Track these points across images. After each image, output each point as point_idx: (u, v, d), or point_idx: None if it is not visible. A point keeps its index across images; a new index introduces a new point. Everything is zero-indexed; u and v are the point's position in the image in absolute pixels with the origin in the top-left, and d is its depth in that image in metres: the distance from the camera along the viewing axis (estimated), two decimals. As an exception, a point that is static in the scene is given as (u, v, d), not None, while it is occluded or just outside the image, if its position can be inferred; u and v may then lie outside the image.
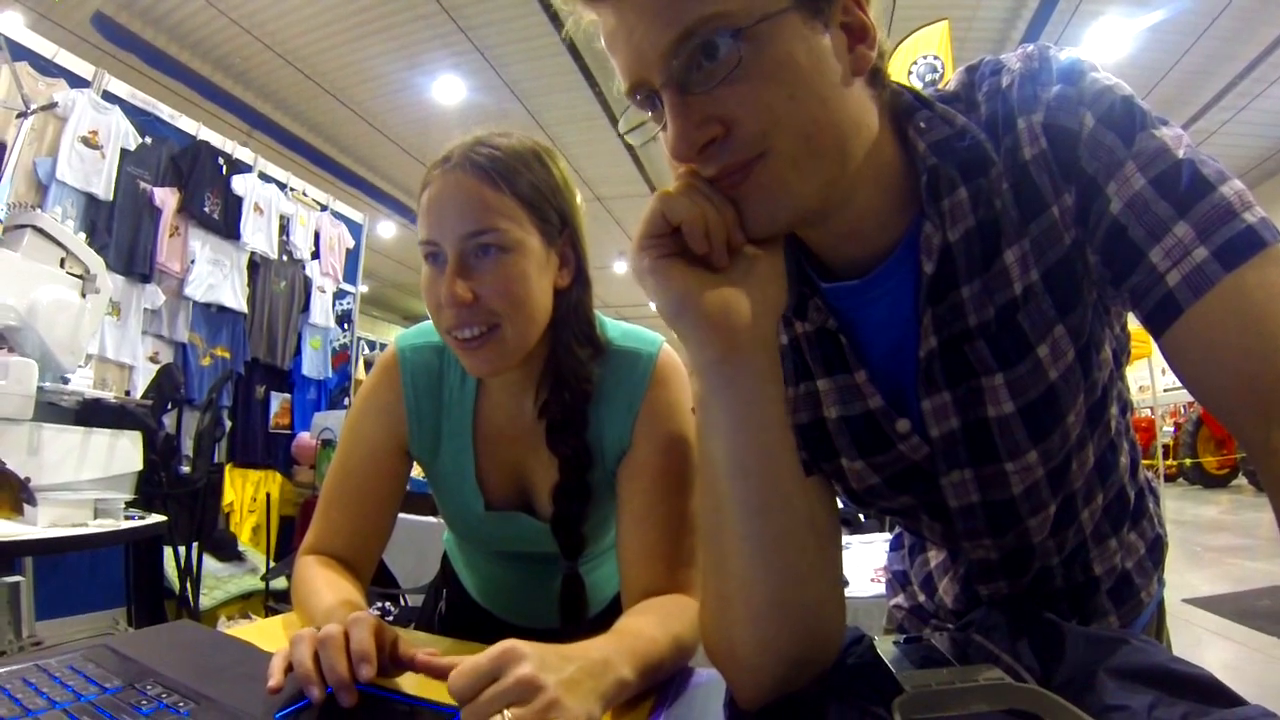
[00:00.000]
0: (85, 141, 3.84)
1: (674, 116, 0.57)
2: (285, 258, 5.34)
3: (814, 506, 0.69)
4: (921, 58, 6.09)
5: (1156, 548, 0.89)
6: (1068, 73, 0.63)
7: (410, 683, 0.72)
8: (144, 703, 0.62)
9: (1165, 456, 9.43)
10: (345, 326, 6.12)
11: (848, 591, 2.22)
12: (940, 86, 0.71)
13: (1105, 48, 6.96)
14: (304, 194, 5.60)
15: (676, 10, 0.55)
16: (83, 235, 3.56)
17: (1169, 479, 10.16)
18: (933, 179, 0.64)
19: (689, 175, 0.60)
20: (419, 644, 0.73)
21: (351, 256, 6.15)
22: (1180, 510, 8.83)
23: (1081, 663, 0.61)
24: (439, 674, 0.66)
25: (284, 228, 5.31)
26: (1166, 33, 6.72)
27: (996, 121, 0.65)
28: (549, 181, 0.98)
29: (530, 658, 0.61)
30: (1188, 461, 10.61)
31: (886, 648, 0.71)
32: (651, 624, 0.82)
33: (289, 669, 0.65)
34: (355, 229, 6.20)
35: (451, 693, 0.59)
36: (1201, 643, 3.82)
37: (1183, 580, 5.04)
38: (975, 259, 0.65)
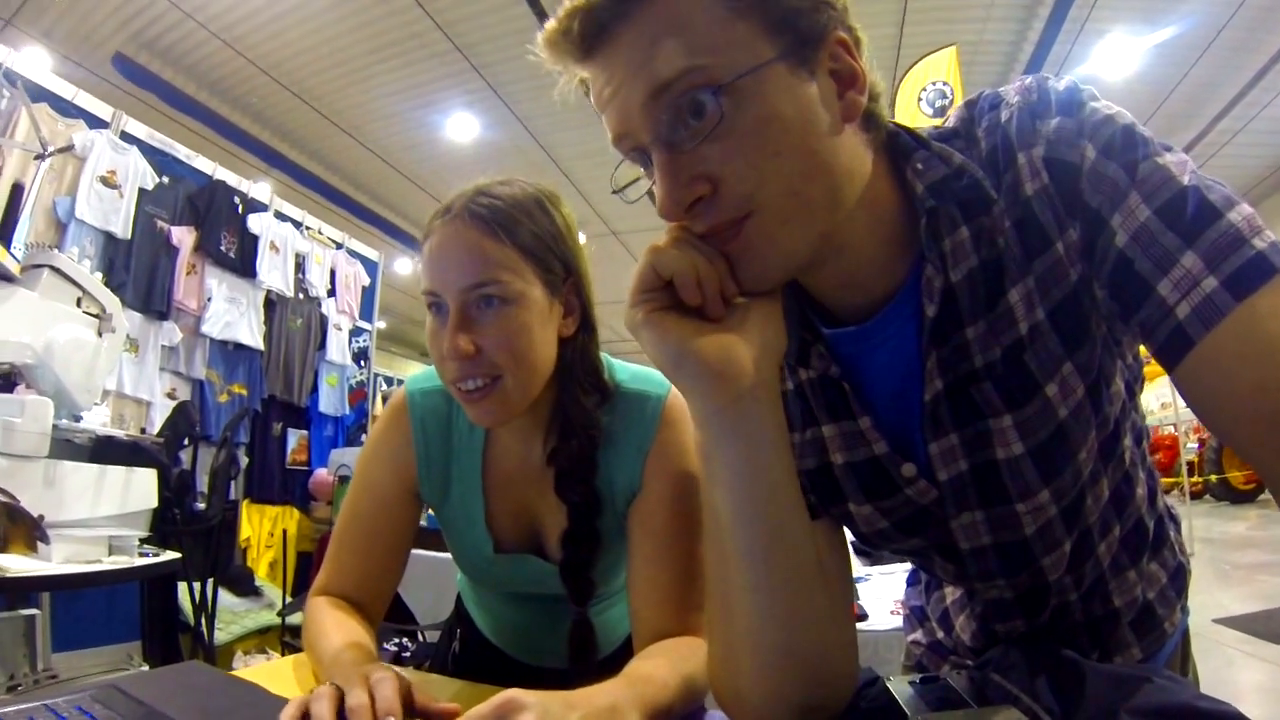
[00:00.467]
0: (104, 181, 3.91)
1: (661, 176, 0.57)
2: (301, 295, 5.38)
3: (821, 551, 0.68)
4: (931, 84, 6.14)
5: (1179, 576, 0.87)
6: (1067, 104, 0.62)
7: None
8: None
9: (1190, 473, 9.23)
10: (362, 364, 6.16)
11: (867, 625, 2.21)
12: (940, 123, 0.70)
13: (1112, 65, 6.97)
14: (319, 232, 5.66)
15: (657, 66, 0.55)
16: (100, 274, 3.64)
17: (1195, 496, 9.89)
18: (932, 220, 0.63)
19: (679, 228, 0.60)
20: (432, 686, 0.74)
21: (367, 294, 6.20)
22: (1208, 528, 8.63)
23: (1102, 703, 0.59)
24: None
25: (300, 266, 5.36)
26: (1173, 47, 6.71)
27: (997, 157, 0.64)
28: (551, 230, 0.98)
29: (532, 708, 0.61)
30: (1213, 477, 10.40)
31: (901, 688, 0.71)
32: (661, 667, 0.81)
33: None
34: (371, 267, 6.26)
35: None
36: (1234, 664, 3.71)
37: (1212, 599, 4.93)
38: (979, 299, 0.64)
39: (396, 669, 0.80)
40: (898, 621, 1.66)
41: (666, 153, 0.57)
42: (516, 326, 0.92)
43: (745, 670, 0.66)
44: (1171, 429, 10.38)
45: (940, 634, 0.97)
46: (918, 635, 1.03)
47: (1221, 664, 3.66)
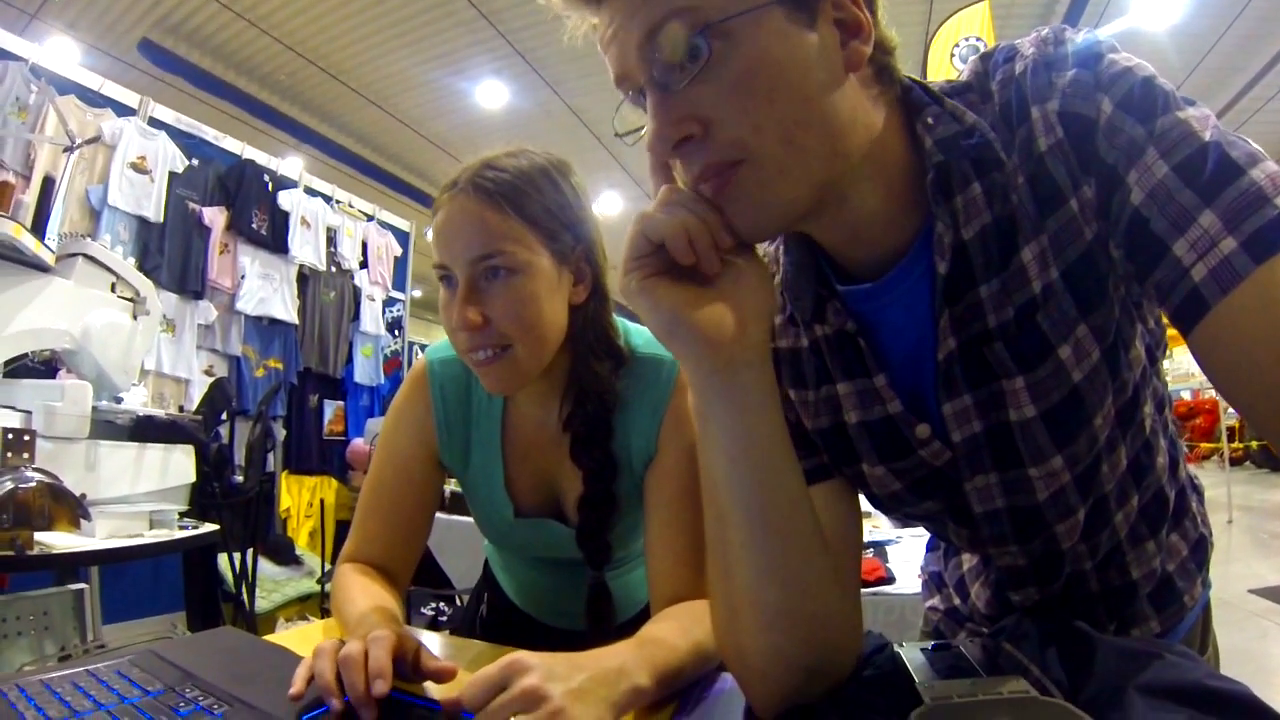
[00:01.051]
0: (134, 167, 4.01)
1: (651, 114, 0.57)
2: (334, 269, 5.47)
3: (827, 514, 0.69)
4: (964, 39, 5.96)
5: (1200, 549, 0.85)
6: (1084, 56, 0.59)
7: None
8: (182, 704, 0.66)
9: (1230, 439, 8.98)
10: (396, 333, 6.24)
11: (894, 588, 2.21)
12: (955, 77, 0.68)
13: (1154, 15, 6.68)
14: (350, 205, 5.73)
15: (651, 8, 0.55)
16: (134, 258, 3.75)
17: (1235, 463, 9.63)
18: (941, 176, 0.62)
19: (666, 191, 0.60)
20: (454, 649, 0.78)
21: (399, 264, 6.27)
22: (1247, 495, 8.41)
23: (1111, 677, 0.58)
24: (447, 679, 0.73)
25: (331, 239, 5.44)
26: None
27: (1011, 111, 0.62)
28: (559, 200, 0.98)
29: (536, 668, 0.62)
30: (1254, 444, 10.13)
31: (913, 654, 0.70)
32: (673, 631, 0.82)
33: (311, 678, 0.68)
34: (402, 237, 6.33)
35: (463, 701, 0.62)
36: (1268, 635, 3.65)
37: (1249, 570, 4.84)
38: (993, 257, 0.63)
39: (409, 629, 0.83)
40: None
41: (659, 93, 0.56)
42: (524, 296, 0.93)
43: (746, 629, 0.66)
44: (1212, 393, 10.10)
45: (957, 601, 0.96)
46: (935, 601, 1.03)
47: (1255, 636, 3.60)
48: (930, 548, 1.09)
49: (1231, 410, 10.38)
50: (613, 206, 9.66)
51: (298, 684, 0.67)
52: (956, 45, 6.01)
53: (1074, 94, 0.59)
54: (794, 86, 0.55)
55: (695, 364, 0.60)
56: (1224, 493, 7.24)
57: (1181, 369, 10.23)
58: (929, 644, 0.73)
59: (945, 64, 5.96)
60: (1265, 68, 7.55)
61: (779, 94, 0.55)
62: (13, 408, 2.14)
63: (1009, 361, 0.65)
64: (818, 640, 0.65)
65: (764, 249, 0.84)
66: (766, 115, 0.55)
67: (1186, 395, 12.52)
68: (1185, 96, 0.58)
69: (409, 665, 0.72)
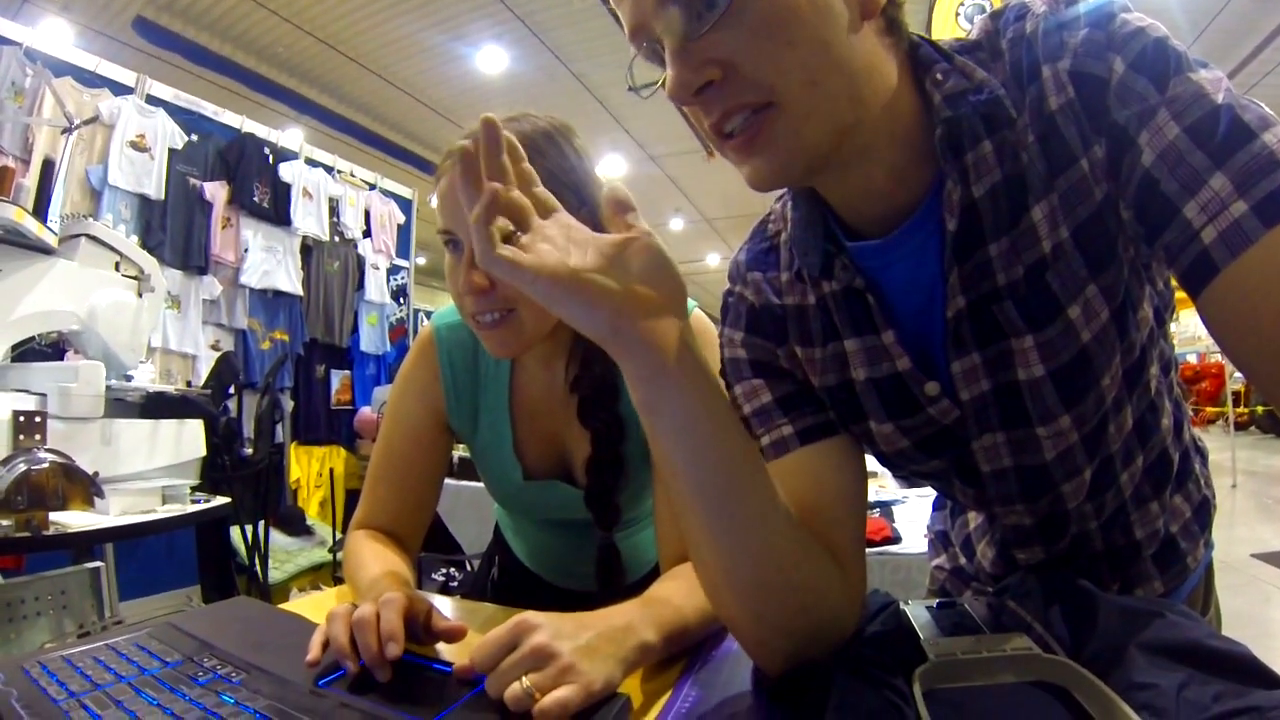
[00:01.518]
0: (134, 145, 3.99)
1: (671, 61, 0.57)
2: (337, 239, 5.47)
3: (825, 474, 0.70)
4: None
5: (1203, 511, 0.86)
6: (1096, 15, 0.59)
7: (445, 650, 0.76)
8: (200, 674, 0.67)
9: (1235, 404, 8.93)
10: (401, 301, 6.25)
11: (900, 548, 2.22)
12: (965, 35, 0.68)
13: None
14: (352, 174, 5.70)
15: None
16: (137, 236, 3.75)
17: (1240, 427, 9.56)
18: (951, 132, 0.62)
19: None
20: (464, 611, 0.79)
21: (403, 232, 6.26)
22: (1252, 460, 8.41)
23: (1113, 636, 0.59)
24: (457, 639, 0.74)
25: (334, 209, 5.42)
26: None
27: (1021, 70, 0.62)
28: (562, 163, 0.98)
29: (544, 627, 0.63)
30: (1260, 409, 10.07)
31: (918, 612, 0.71)
32: (680, 590, 0.82)
33: (326, 644, 0.69)
34: (405, 205, 6.30)
35: (473, 663, 0.63)
36: (1271, 600, 3.69)
37: (1253, 534, 4.85)
38: (1003, 215, 0.63)
39: (421, 593, 0.84)
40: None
41: (679, 41, 0.56)
42: None
43: (728, 603, 0.66)
44: (1218, 357, 10.05)
45: (962, 560, 0.97)
46: (941, 560, 1.04)
47: (1258, 600, 3.63)
48: (937, 507, 1.10)
49: (1238, 374, 10.35)
50: (616, 169, 9.59)
51: (314, 650, 0.69)
52: (962, 4, 5.90)
53: (1086, 53, 0.58)
54: (814, 31, 0.55)
55: (636, 367, 0.57)
56: (1228, 457, 7.24)
57: (1188, 332, 10.16)
58: (934, 602, 0.74)
59: (950, 23, 5.86)
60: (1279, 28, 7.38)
61: (799, 38, 0.55)
62: (27, 391, 2.17)
63: (1018, 320, 0.65)
64: (809, 606, 0.66)
65: (772, 205, 0.84)
66: (790, 58, 0.55)
67: (1192, 359, 12.47)
68: (1198, 59, 0.57)
69: (420, 627, 0.74)
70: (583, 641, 0.64)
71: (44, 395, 2.16)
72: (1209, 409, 10.99)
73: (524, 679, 0.59)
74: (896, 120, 0.63)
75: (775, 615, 0.65)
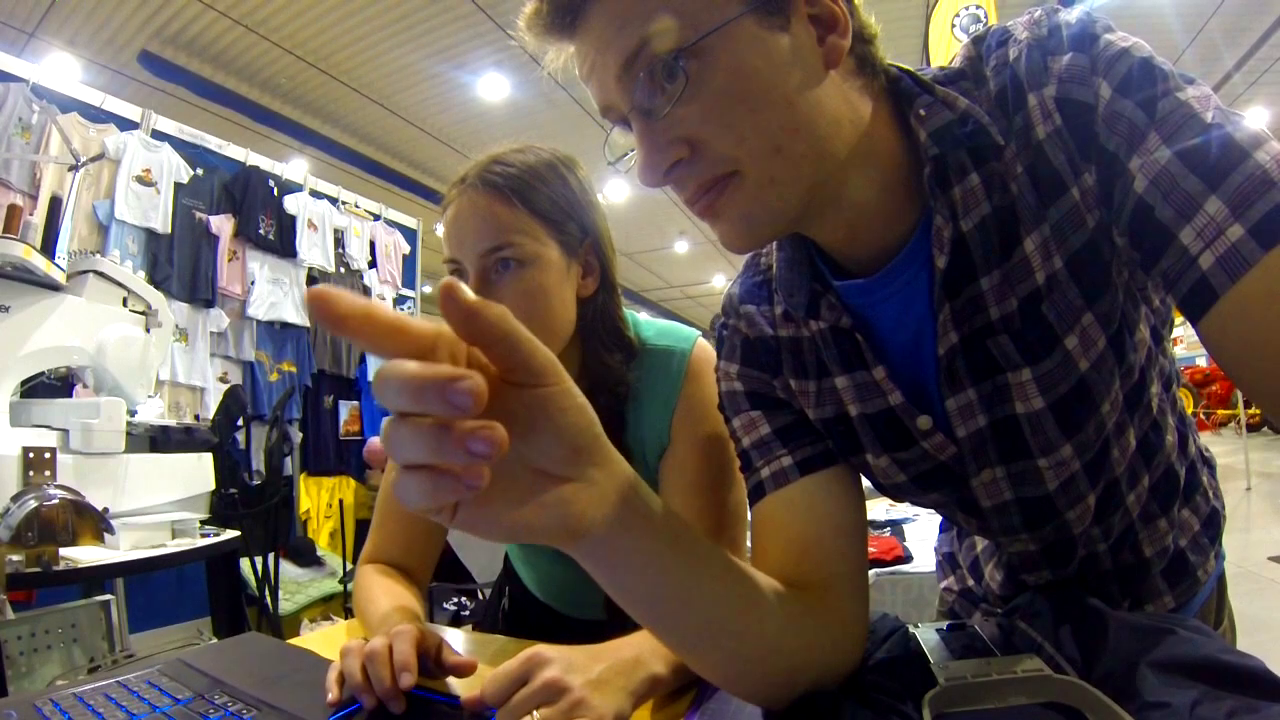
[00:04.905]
0: (140, 180, 4.03)
1: (639, 143, 0.57)
2: (343, 269, 5.47)
3: (823, 505, 0.69)
4: (964, 9, 5.89)
5: (1212, 522, 0.85)
6: (1079, 38, 0.58)
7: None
8: (211, 711, 0.68)
9: (1247, 405, 8.85)
10: (408, 330, 6.25)
11: (911, 567, 2.21)
12: (945, 64, 0.67)
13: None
14: (356, 205, 5.73)
15: (624, 35, 0.54)
16: (144, 270, 3.78)
17: (1252, 429, 9.49)
18: (939, 168, 0.61)
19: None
20: (475, 642, 0.77)
21: (408, 262, 6.28)
22: (1266, 462, 8.33)
23: (1124, 654, 0.58)
24: (468, 673, 0.74)
25: (339, 241, 5.44)
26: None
27: (1006, 98, 0.60)
28: (566, 193, 0.99)
29: (555, 661, 0.63)
30: (1270, 411, 10.03)
31: (928, 635, 0.71)
32: None
33: (343, 680, 0.70)
34: (410, 234, 6.33)
35: (485, 697, 0.63)
36: (1288, 605, 3.62)
37: (1268, 536, 4.79)
38: (993, 249, 0.62)
39: (430, 625, 0.84)
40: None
41: (644, 120, 0.56)
42: (534, 287, 0.95)
43: (721, 680, 0.65)
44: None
45: (971, 582, 0.96)
46: (950, 582, 1.03)
47: (1275, 604, 3.57)
48: (943, 528, 1.09)
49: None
50: (619, 193, 9.65)
51: (333, 690, 0.69)
52: (957, 15, 5.93)
53: (1071, 79, 0.57)
54: (775, 92, 0.55)
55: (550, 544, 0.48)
56: (1241, 460, 7.19)
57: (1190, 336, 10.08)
58: (944, 624, 0.74)
59: (946, 35, 5.90)
60: (1274, 25, 7.40)
61: (760, 103, 0.55)
62: (48, 426, 2.19)
63: (1015, 354, 0.64)
64: (809, 660, 0.65)
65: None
66: (751, 126, 0.55)
67: (1203, 362, 12.36)
68: (1184, 74, 0.57)
69: (431, 661, 0.74)
70: (594, 675, 0.64)
71: (65, 431, 2.18)
72: (1220, 411, 10.90)
73: (535, 713, 0.59)
74: (874, 160, 0.62)
75: (777, 675, 0.64)
